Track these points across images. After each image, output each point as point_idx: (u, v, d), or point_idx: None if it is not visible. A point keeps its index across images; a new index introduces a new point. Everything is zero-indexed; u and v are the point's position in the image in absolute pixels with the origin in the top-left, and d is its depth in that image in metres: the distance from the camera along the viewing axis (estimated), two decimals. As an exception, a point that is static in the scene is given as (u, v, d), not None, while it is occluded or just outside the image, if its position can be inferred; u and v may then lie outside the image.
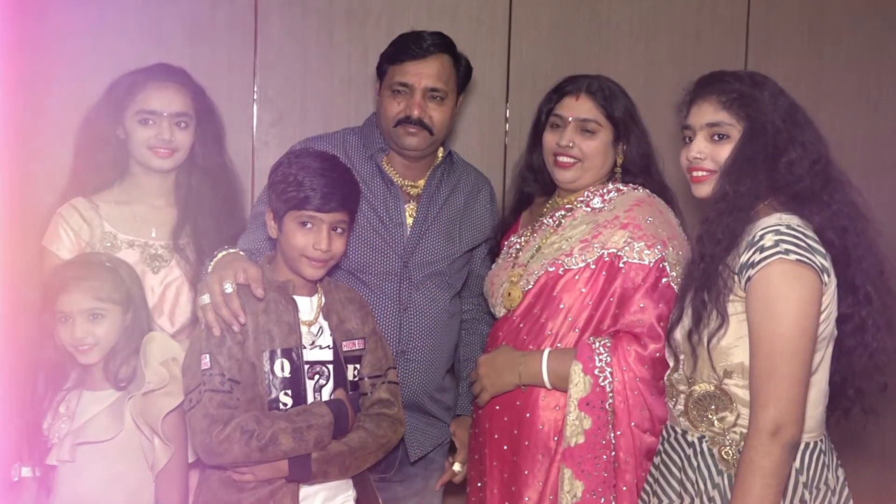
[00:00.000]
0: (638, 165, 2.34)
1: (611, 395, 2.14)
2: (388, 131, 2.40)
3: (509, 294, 2.31)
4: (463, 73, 2.44)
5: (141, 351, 2.12)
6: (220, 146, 2.49)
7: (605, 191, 2.32)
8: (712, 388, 1.91)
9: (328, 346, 2.10)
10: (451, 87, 2.40)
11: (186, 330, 2.34)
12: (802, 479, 1.88)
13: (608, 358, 2.14)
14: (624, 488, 2.13)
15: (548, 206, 2.41)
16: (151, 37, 2.98)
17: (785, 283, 1.78)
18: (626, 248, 2.19)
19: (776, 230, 1.82)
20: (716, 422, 1.91)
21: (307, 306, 2.11)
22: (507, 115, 3.29)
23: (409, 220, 2.44)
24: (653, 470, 2.06)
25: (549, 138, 2.34)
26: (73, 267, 2.16)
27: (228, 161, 2.52)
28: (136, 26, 2.98)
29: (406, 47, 2.37)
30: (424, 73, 2.35)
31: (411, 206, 2.45)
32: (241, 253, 2.15)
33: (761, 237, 1.82)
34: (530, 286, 2.28)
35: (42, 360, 2.12)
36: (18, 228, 2.36)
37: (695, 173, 1.98)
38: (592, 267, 2.22)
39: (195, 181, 2.42)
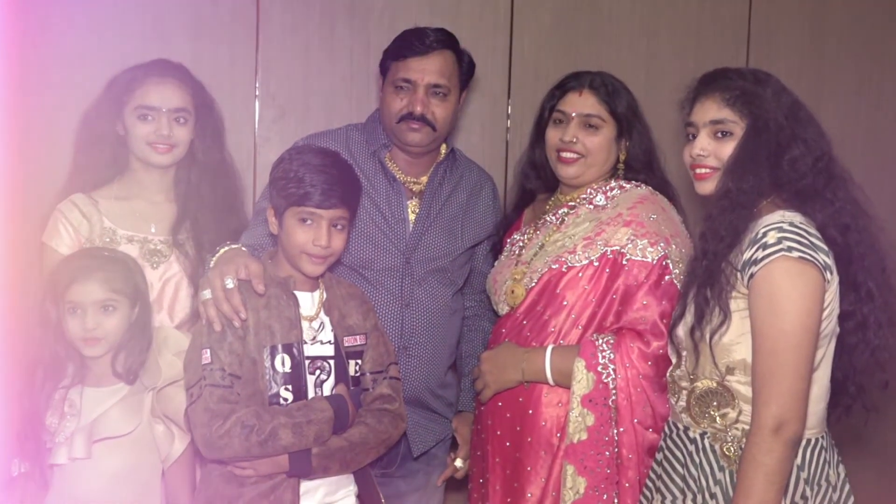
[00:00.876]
0: (640, 161, 2.34)
1: (614, 391, 2.14)
2: (391, 127, 2.39)
3: (512, 291, 2.31)
4: (466, 70, 2.44)
5: (154, 344, 2.12)
6: (220, 142, 2.49)
7: (608, 188, 2.32)
8: (714, 384, 1.91)
9: (329, 342, 2.10)
10: (454, 84, 2.40)
11: (185, 325, 2.34)
12: (803, 475, 1.88)
13: (611, 355, 2.14)
14: (626, 485, 2.13)
15: (550, 203, 2.41)
16: (153, 33, 2.98)
17: (788, 280, 1.78)
18: (630, 246, 2.19)
19: (779, 227, 1.82)
20: (718, 418, 1.91)
21: (308, 302, 2.11)
22: (509, 112, 3.29)
23: (412, 217, 2.43)
24: (655, 466, 2.06)
25: (552, 134, 2.34)
26: (84, 258, 2.15)
27: (228, 157, 2.52)
28: (138, 23, 2.97)
29: (409, 43, 2.36)
30: (427, 69, 2.34)
31: (414, 203, 2.45)
32: (243, 249, 2.15)
33: (764, 234, 1.82)
34: (533, 283, 2.28)
35: (42, 354, 2.10)
36: (18, 224, 2.36)
37: (698, 170, 1.98)
38: (596, 264, 2.22)
39: (195, 177, 2.42)
